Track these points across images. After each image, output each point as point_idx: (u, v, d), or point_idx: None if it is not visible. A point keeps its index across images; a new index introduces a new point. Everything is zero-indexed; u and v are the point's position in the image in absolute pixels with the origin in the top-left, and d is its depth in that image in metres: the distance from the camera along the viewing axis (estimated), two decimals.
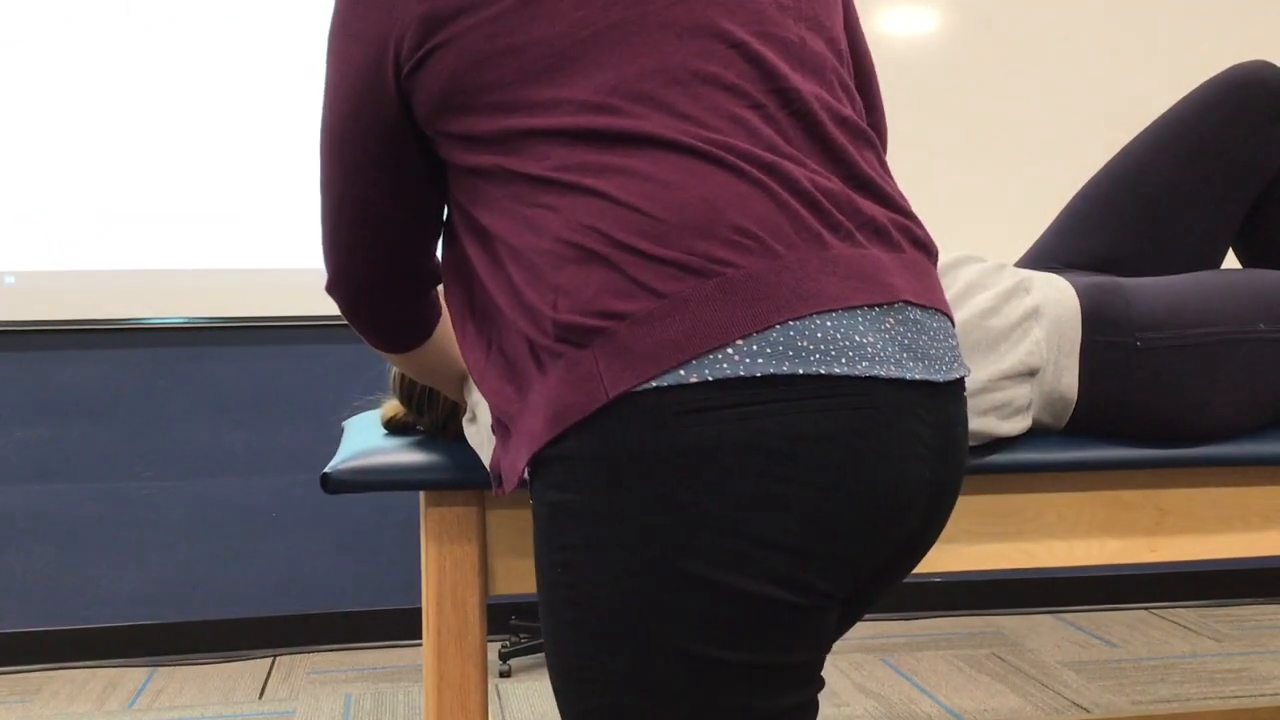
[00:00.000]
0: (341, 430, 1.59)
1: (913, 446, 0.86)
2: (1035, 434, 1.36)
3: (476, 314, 0.97)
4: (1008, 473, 1.32)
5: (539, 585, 0.91)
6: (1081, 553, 1.37)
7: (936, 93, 3.21)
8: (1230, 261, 1.62)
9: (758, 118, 0.88)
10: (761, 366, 0.80)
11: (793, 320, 0.82)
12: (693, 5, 0.89)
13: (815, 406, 0.81)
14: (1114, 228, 1.56)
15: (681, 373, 0.80)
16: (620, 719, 0.86)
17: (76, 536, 3.06)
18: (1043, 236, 1.63)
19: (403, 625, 3.18)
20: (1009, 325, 1.31)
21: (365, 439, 1.38)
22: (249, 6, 3.02)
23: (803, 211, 0.86)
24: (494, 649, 2.95)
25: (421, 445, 1.32)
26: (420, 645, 3.16)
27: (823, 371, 0.81)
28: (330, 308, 3.08)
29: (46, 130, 2.95)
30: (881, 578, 0.92)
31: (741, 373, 0.80)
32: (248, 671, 2.98)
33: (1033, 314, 1.32)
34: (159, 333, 3.07)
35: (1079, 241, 1.58)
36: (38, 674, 2.97)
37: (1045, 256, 1.60)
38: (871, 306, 0.86)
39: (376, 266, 1.06)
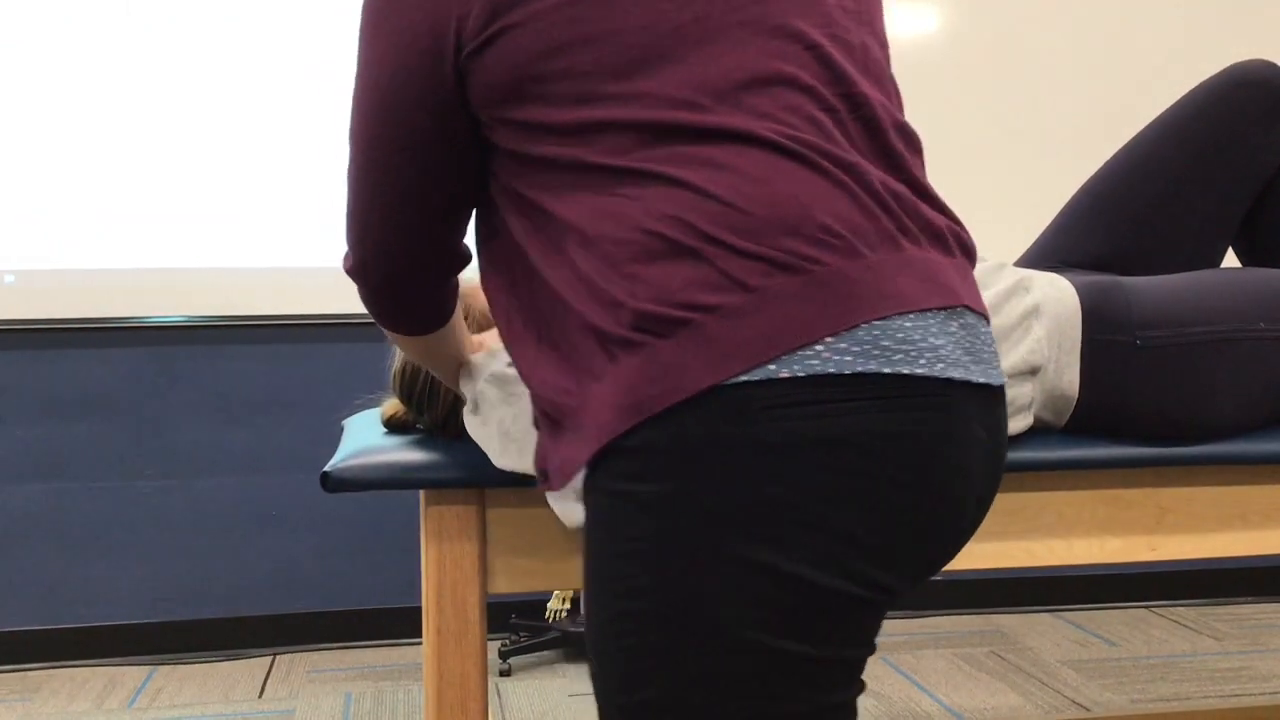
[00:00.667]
0: (341, 429, 1.59)
1: (976, 449, 0.88)
2: (1036, 432, 1.36)
3: (526, 306, 0.95)
4: (1008, 471, 1.32)
5: (592, 577, 0.90)
6: (1081, 551, 1.37)
7: (936, 92, 3.21)
8: (1230, 260, 1.62)
9: (831, 121, 0.89)
10: (850, 365, 0.81)
11: (876, 320, 0.83)
12: (769, 5, 0.89)
13: (900, 406, 0.83)
14: (1113, 226, 1.56)
15: (771, 368, 0.81)
16: (670, 711, 0.86)
17: (76, 535, 3.06)
18: (1042, 236, 1.63)
19: (403, 624, 3.18)
20: (1010, 324, 1.31)
21: (365, 437, 1.38)
22: (249, 5, 3.02)
23: (879, 213, 0.87)
24: (494, 647, 2.95)
25: (421, 444, 1.32)
26: (420, 644, 3.16)
27: (905, 372, 0.83)
28: (331, 306, 3.08)
29: (46, 129, 2.95)
30: (924, 576, 0.93)
31: (831, 370, 0.81)
32: (247, 670, 2.98)
33: (1033, 312, 1.32)
34: (159, 331, 3.07)
35: (1079, 240, 1.58)
36: (38, 672, 2.97)
37: (1045, 255, 1.60)
38: (939, 309, 0.87)
39: (411, 247, 1.03)
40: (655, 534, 0.84)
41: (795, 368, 0.81)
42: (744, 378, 0.81)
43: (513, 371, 1.21)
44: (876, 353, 0.82)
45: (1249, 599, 3.51)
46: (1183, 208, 1.55)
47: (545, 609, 3.12)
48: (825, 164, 0.86)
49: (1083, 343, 1.32)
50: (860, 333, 0.82)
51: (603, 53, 0.87)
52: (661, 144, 0.86)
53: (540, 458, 0.99)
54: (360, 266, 1.06)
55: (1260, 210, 1.57)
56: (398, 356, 1.42)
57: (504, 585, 1.28)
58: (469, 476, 1.24)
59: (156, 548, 3.10)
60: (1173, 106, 1.58)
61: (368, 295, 1.09)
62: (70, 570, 3.06)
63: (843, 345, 0.82)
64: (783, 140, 0.86)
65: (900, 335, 0.84)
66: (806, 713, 0.87)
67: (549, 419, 0.95)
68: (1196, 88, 1.57)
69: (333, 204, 3.09)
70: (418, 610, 3.17)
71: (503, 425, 1.19)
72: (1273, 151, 1.54)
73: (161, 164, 3.00)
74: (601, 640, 0.90)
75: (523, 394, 1.19)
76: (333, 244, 3.09)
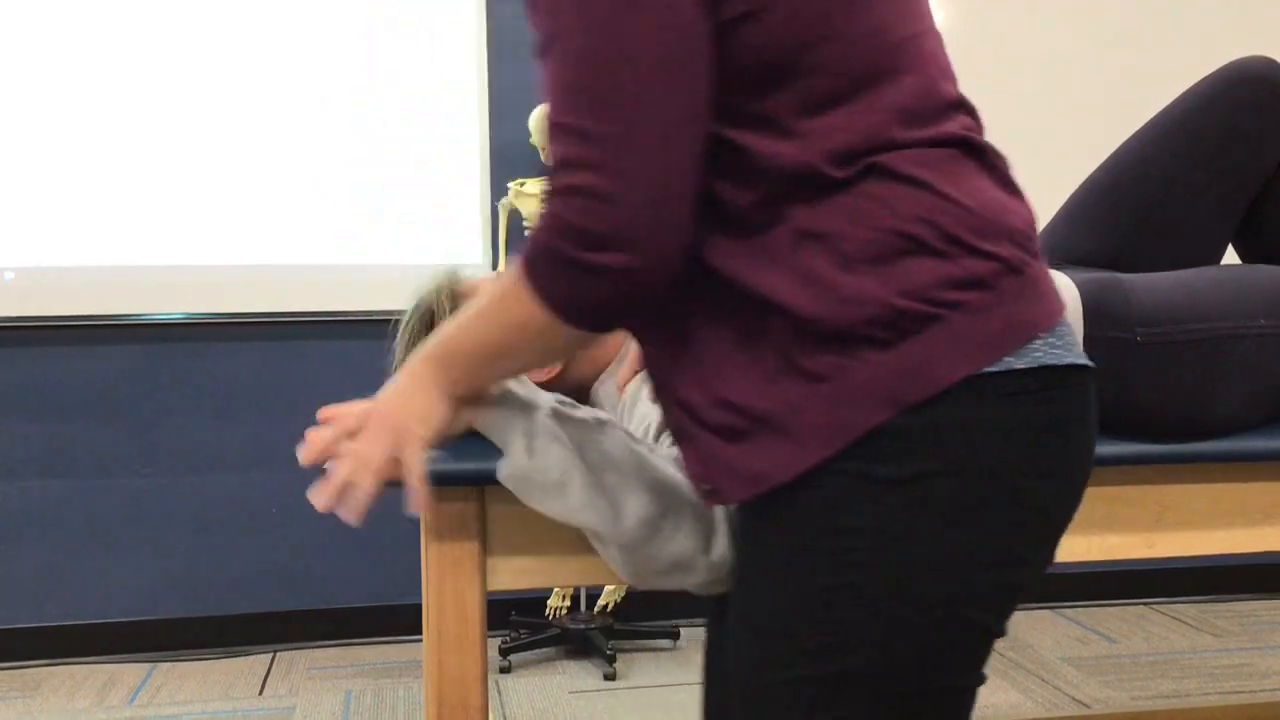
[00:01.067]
0: None
1: None
2: None
3: (691, 313, 0.94)
4: None
5: (793, 556, 0.93)
6: (1081, 548, 1.37)
7: None
8: (1230, 257, 1.62)
9: (980, 142, 0.97)
10: (1060, 356, 0.91)
11: (1060, 317, 0.94)
12: (935, 39, 0.97)
13: (1083, 392, 0.94)
14: (1114, 224, 1.56)
15: (1009, 359, 0.89)
16: (866, 681, 0.91)
17: (76, 533, 3.06)
18: (1042, 233, 1.63)
19: (403, 621, 3.18)
20: None
21: None
22: (247, 4, 3.02)
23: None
24: (494, 644, 2.96)
25: None
26: (420, 641, 3.16)
27: (1080, 362, 0.93)
28: (330, 304, 3.09)
29: (45, 127, 2.95)
30: None
31: (1051, 361, 0.91)
32: (248, 667, 2.98)
33: None
34: (158, 328, 3.07)
35: (1079, 238, 1.58)
36: (38, 670, 2.98)
37: (1045, 252, 1.60)
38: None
39: (691, 219, 0.90)
40: (897, 511, 0.89)
41: (1026, 360, 0.90)
42: (989, 369, 0.89)
43: (574, 410, 1.14)
44: (1070, 346, 0.93)
45: (1249, 596, 3.51)
46: (1183, 204, 1.55)
47: (545, 606, 3.13)
48: (1005, 175, 0.95)
49: (1083, 339, 1.32)
50: (1059, 328, 0.93)
51: (847, 52, 0.89)
52: (895, 148, 0.90)
53: (706, 471, 0.97)
54: (655, 236, 0.88)
55: (1261, 207, 1.57)
56: (399, 353, 1.41)
57: (504, 582, 1.28)
58: (469, 474, 1.24)
59: (157, 545, 3.10)
60: (1172, 103, 1.58)
61: (639, 271, 0.88)
62: (70, 568, 3.06)
63: (1052, 339, 0.92)
64: (984, 151, 0.94)
65: (1070, 331, 0.95)
66: (967, 689, 0.94)
67: (724, 429, 0.93)
68: (1196, 84, 1.57)
69: (332, 202, 3.09)
70: (418, 608, 3.18)
71: (595, 470, 1.10)
72: (1273, 148, 1.54)
73: (160, 162, 3.00)
74: (796, 614, 0.92)
75: (612, 433, 1.12)
76: (333, 242, 3.09)
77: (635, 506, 1.10)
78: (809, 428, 0.90)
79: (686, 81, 0.86)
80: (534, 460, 1.10)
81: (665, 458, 1.14)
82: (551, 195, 0.88)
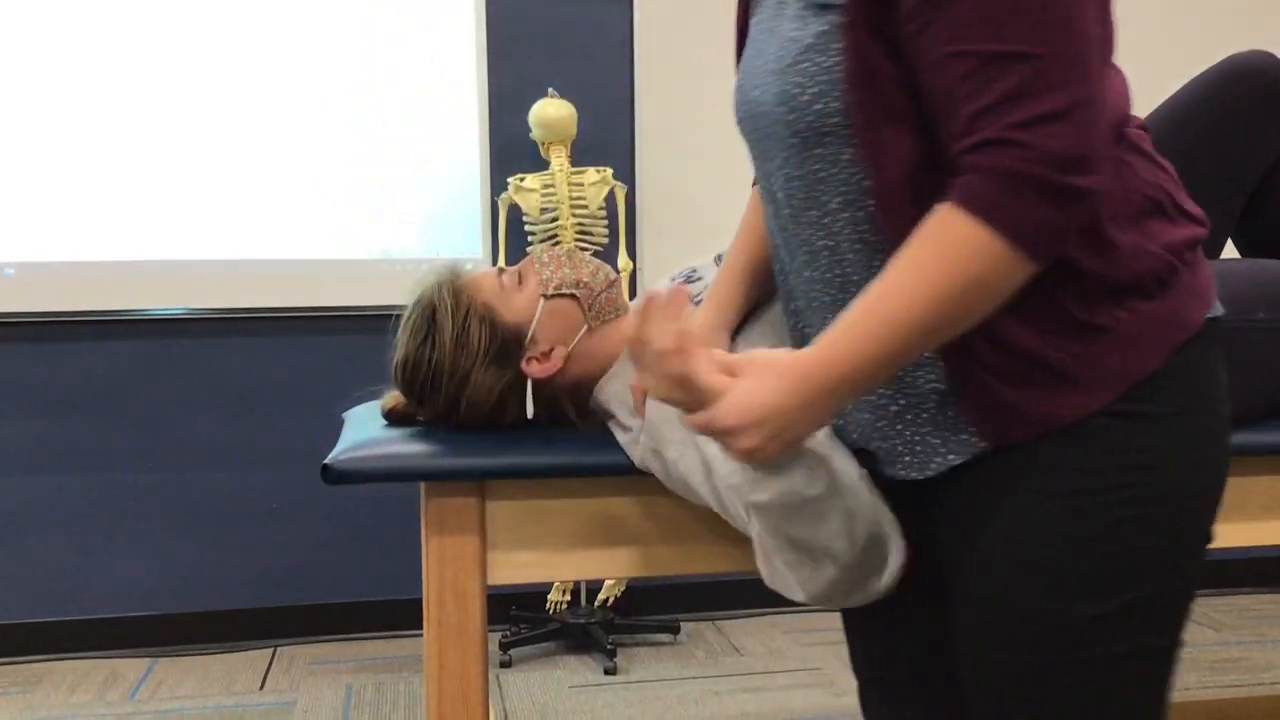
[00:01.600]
0: (342, 421, 1.59)
1: None
2: None
3: None
4: None
5: (1072, 496, 0.97)
6: None
7: None
8: (1229, 252, 1.62)
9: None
10: (1219, 309, 1.02)
11: None
12: None
13: None
14: None
15: (1213, 308, 1.01)
16: (1143, 612, 0.97)
17: (77, 528, 3.07)
18: None
19: (403, 616, 3.18)
20: None
21: (366, 430, 1.38)
22: (248, 2, 3.02)
23: None
24: (494, 639, 2.96)
25: (422, 436, 1.32)
26: (421, 636, 3.17)
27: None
28: (330, 299, 3.09)
29: (46, 122, 2.95)
30: None
31: (1225, 313, 1.03)
32: (249, 662, 2.99)
33: None
34: (159, 324, 3.07)
35: None
36: (39, 665, 2.98)
37: None
38: None
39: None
40: (1171, 442, 0.97)
41: (1216, 310, 1.01)
42: (1209, 315, 1.00)
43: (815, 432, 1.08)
44: None
45: (1248, 590, 3.51)
46: None
47: (546, 600, 3.13)
48: None
49: None
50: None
51: (1111, 38, 0.99)
52: (1128, 125, 1.00)
53: (985, 415, 0.99)
54: (1093, 134, 0.89)
55: (1259, 201, 1.58)
56: (400, 348, 1.41)
57: (504, 577, 1.28)
58: (469, 469, 1.24)
59: (157, 540, 3.10)
60: (1171, 98, 1.58)
61: (1092, 183, 0.89)
62: (71, 563, 3.07)
63: (1218, 296, 1.03)
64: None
65: None
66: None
67: (1007, 374, 0.97)
68: (1195, 79, 1.57)
69: (333, 197, 3.09)
70: (418, 602, 3.18)
71: (844, 495, 1.09)
72: (1271, 142, 1.54)
73: (162, 158, 3.00)
74: (1079, 553, 0.97)
75: (843, 454, 1.11)
76: (333, 237, 3.09)
77: (862, 529, 1.09)
78: (1096, 374, 0.96)
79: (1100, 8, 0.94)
80: (811, 488, 1.06)
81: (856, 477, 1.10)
82: (1016, 128, 0.87)
